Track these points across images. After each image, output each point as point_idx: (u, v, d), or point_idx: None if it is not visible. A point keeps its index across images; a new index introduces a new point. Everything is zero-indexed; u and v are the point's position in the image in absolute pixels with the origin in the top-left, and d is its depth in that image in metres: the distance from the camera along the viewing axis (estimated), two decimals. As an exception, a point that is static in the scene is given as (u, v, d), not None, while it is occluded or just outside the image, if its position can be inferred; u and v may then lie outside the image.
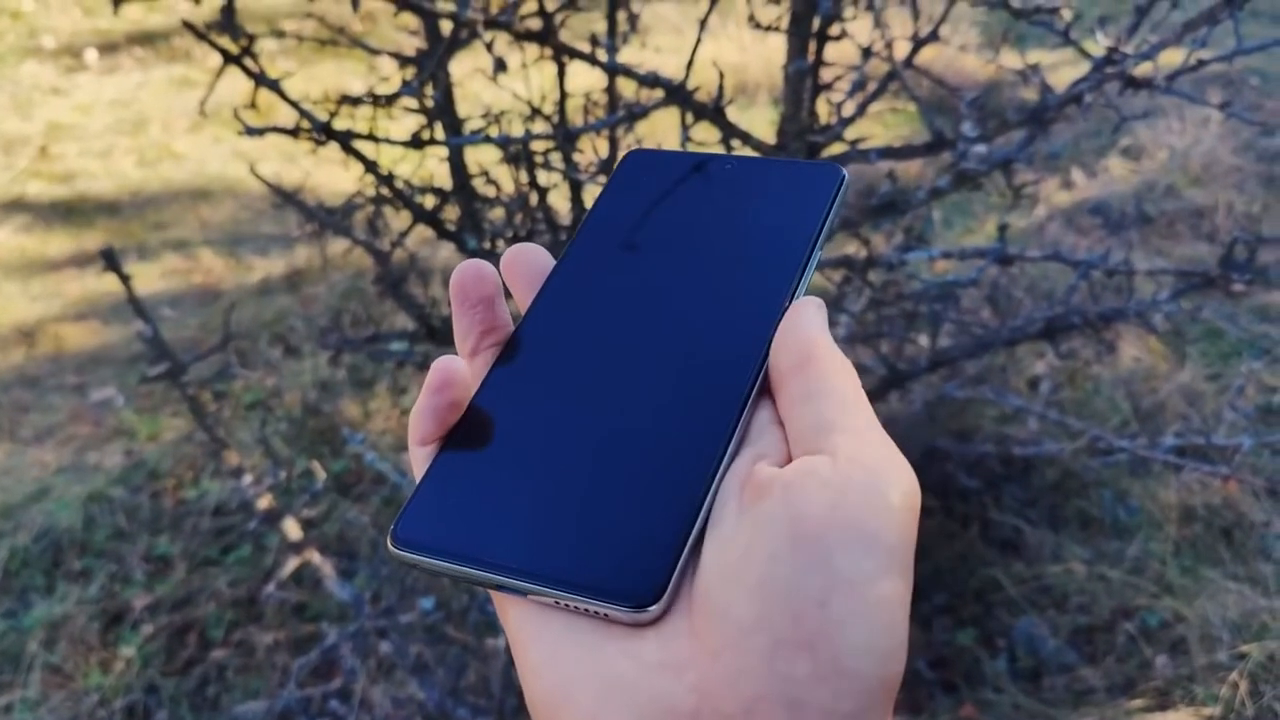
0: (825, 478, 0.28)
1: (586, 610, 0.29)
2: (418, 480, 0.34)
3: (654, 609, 0.29)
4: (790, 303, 0.35)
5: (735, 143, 1.14)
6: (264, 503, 1.37)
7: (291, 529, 1.39)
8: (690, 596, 0.29)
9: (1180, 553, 1.67)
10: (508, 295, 0.39)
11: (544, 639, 0.29)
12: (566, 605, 0.30)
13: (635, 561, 0.30)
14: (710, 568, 0.29)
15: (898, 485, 0.28)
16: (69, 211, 3.00)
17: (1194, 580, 1.61)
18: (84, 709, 1.55)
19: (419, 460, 0.34)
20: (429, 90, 1.20)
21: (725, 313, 0.36)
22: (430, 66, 1.08)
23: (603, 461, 0.32)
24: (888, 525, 0.27)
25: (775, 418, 0.33)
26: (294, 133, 1.08)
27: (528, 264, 0.38)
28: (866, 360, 1.66)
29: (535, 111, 1.29)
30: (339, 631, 1.45)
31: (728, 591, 0.28)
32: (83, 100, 3.63)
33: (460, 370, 0.33)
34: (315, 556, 1.39)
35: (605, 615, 0.29)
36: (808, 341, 0.33)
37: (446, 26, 1.19)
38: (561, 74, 1.26)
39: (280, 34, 1.40)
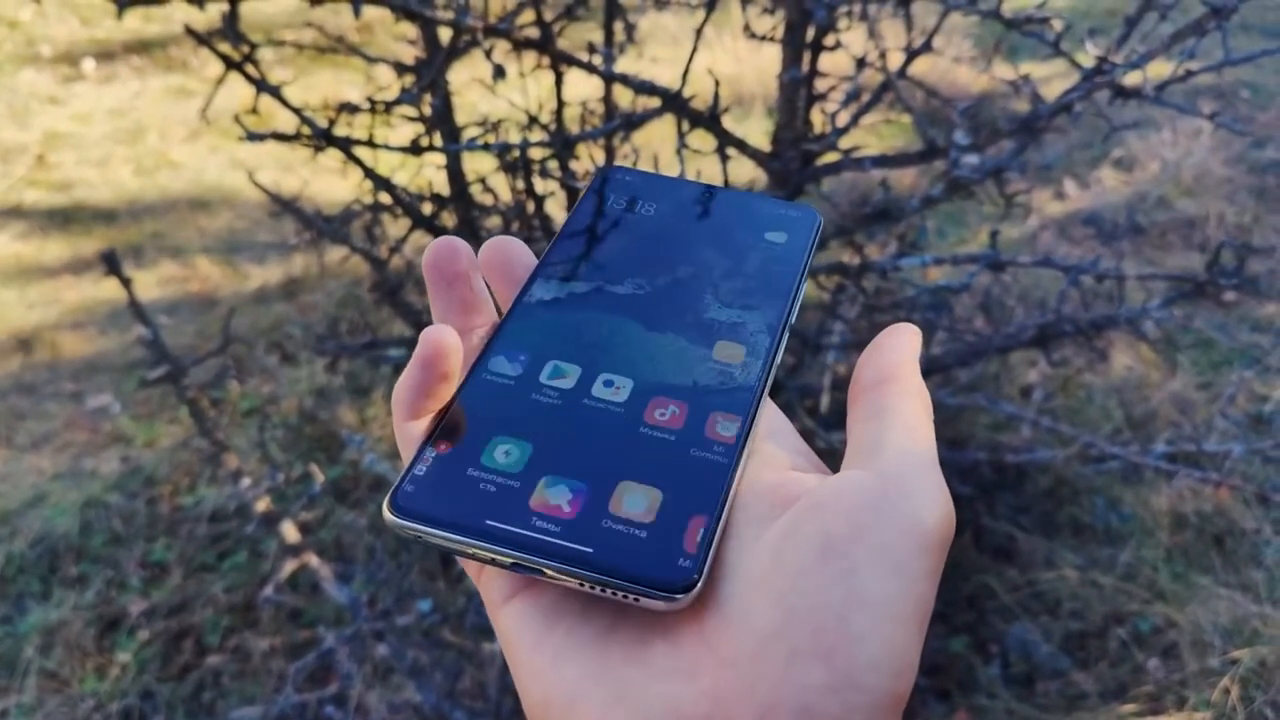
0: (862, 497, 0.29)
1: (614, 595, 0.29)
2: (414, 451, 0.32)
3: (686, 598, 0.28)
4: (786, 329, 0.37)
5: (731, 151, 1.16)
6: (261, 505, 1.37)
7: (289, 531, 1.39)
8: (701, 601, 0.29)
9: (1172, 559, 1.68)
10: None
11: (545, 644, 0.29)
12: (589, 588, 0.29)
13: (670, 549, 0.29)
14: (731, 575, 0.29)
15: (932, 512, 0.29)
16: (66, 220, 3.00)
17: (1186, 586, 1.62)
18: (80, 714, 1.55)
19: (408, 437, 0.33)
20: (427, 98, 1.22)
21: (726, 326, 0.37)
22: (430, 74, 1.09)
23: (623, 444, 0.33)
24: (918, 551, 0.28)
25: (787, 424, 0.34)
26: (294, 138, 1.09)
27: (507, 258, 0.38)
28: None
29: (533, 120, 1.31)
30: (336, 635, 1.46)
31: (749, 599, 0.28)
32: (80, 109, 3.63)
33: (452, 342, 0.32)
34: (313, 559, 1.40)
35: (636, 600, 0.29)
36: (893, 363, 0.33)
37: (445, 35, 1.21)
38: (559, 82, 1.27)
39: (279, 43, 1.41)
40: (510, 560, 0.30)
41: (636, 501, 0.31)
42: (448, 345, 0.32)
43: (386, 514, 0.31)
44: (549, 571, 0.29)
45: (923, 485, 0.29)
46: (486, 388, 0.34)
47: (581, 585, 0.29)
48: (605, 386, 0.34)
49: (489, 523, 0.30)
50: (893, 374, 0.33)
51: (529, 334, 0.36)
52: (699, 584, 0.29)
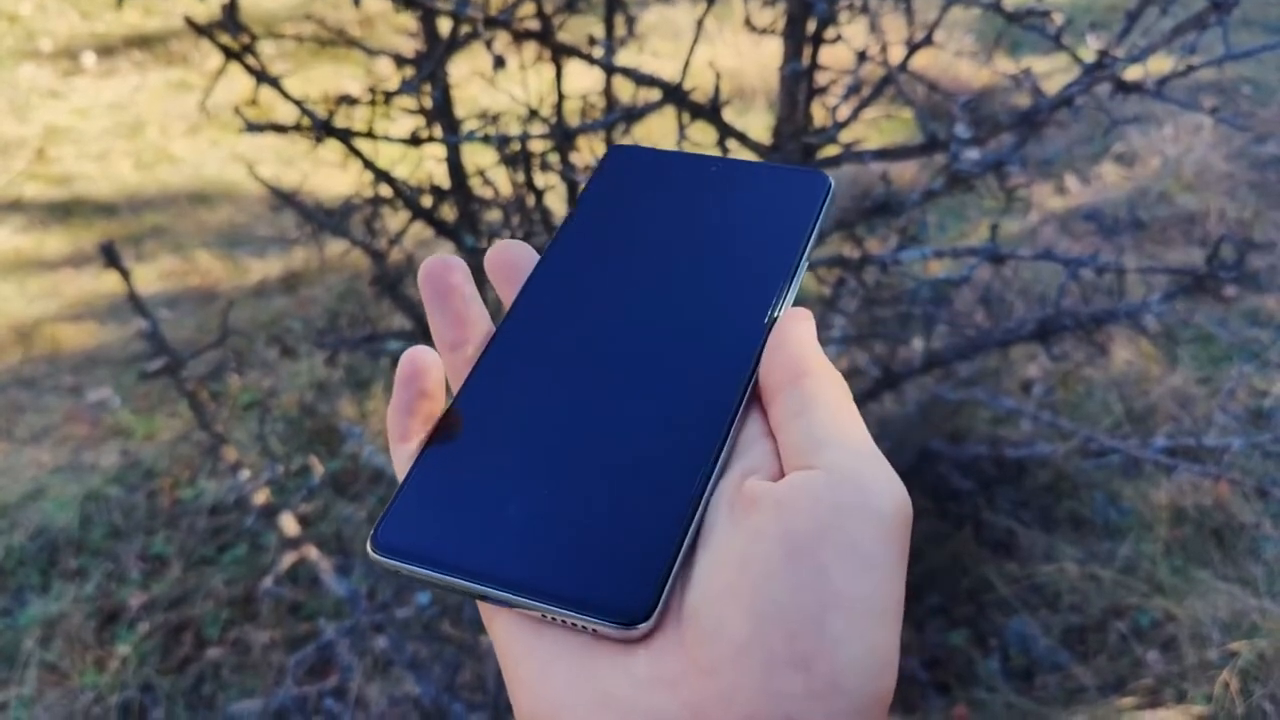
0: (817, 494, 0.28)
1: (574, 625, 0.29)
2: (400, 477, 0.33)
3: (644, 626, 0.28)
4: (778, 313, 0.35)
5: (732, 143, 1.16)
6: (260, 498, 1.38)
7: (288, 524, 1.39)
8: (680, 612, 0.29)
9: (1171, 553, 1.68)
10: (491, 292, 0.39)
11: (534, 655, 0.29)
12: (553, 619, 0.29)
13: (625, 576, 0.29)
14: (701, 584, 0.29)
15: (890, 500, 0.28)
16: (66, 214, 3.00)
17: (1185, 580, 1.62)
18: (79, 706, 1.55)
19: (401, 459, 0.34)
20: (427, 89, 1.21)
21: (712, 321, 0.35)
22: (430, 65, 1.09)
23: (590, 471, 0.32)
24: (881, 541, 0.28)
25: (765, 430, 0.33)
26: (293, 129, 1.09)
27: (512, 261, 0.38)
28: (860, 361, 1.67)
29: (533, 113, 1.30)
30: (336, 628, 1.46)
31: (720, 609, 0.27)
32: (80, 103, 3.63)
33: (429, 359, 0.34)
34: (312, 552, 1.40)
35: (594, 631, 0.29)
36: (799, 356, 0.33)
37: (445, 27, 1.21)
38: (559, 75, 1.27)
39: (279, 36, 1.41)
40: (479, 593, 0.30)
41: (597, 531, 0.31)
42: (425, 363, 0.34)
43: (369, 551, 0.32)
44: (514, 604, 0.30)
45: (873, 475, 0.29)
46: (461, 418, 0.34)
47: (543, 616, 0.29)
48: (580, 409, 0.34)
49: (458, 557, 0.31)
50: (804, 366, 0.32)
51: (512, 356, 0.36)
52: (655, 613, 0.28)
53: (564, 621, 0.29)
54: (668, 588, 0.29)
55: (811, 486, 0.28)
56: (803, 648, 0.26)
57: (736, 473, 0.31)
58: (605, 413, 0.33)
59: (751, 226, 0.39)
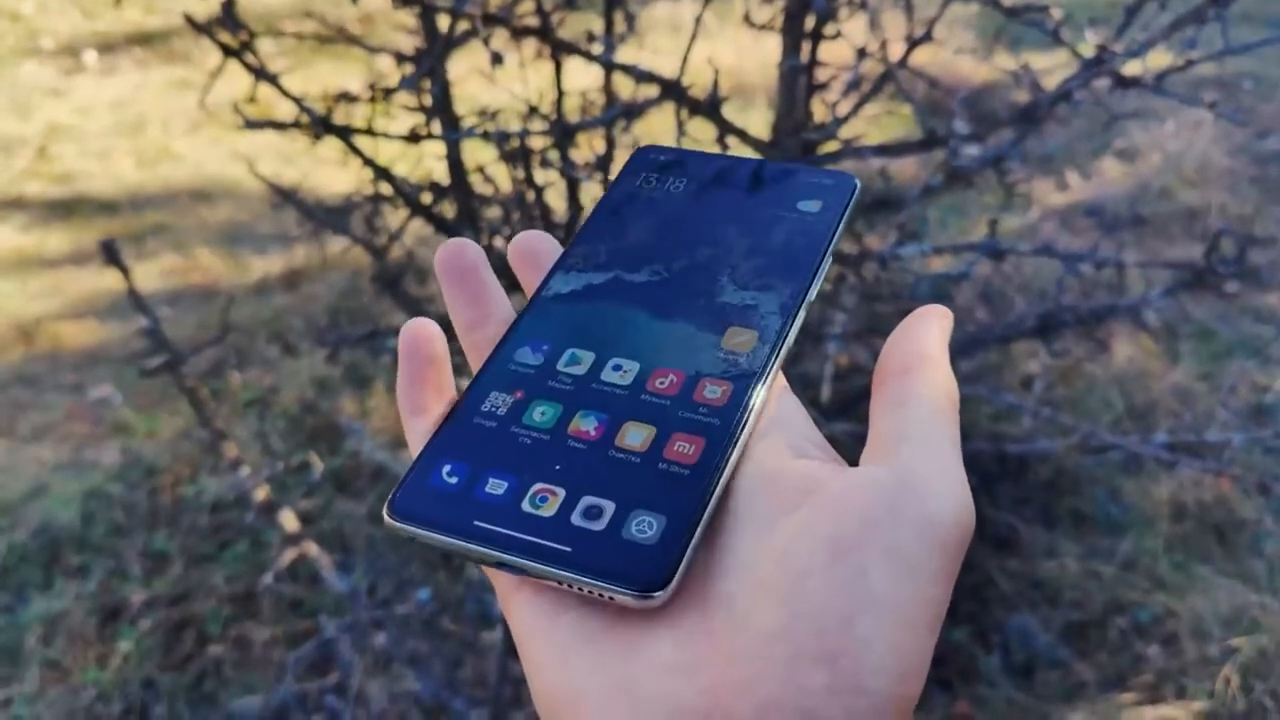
0: (876, 495, 0.28)
1: (591, 593, 0.29)
2: (415, 452, 0.34)
3: (661, 595, 0.28)
4: (802, 304, 0.36)
5: (731, 139, 1.16)
6: (261, 495, 1.38)
7: (289, 521, 1.39)
8: (708, 599, 0.29)
9: (1172, 549, 1.68)
10: (515, 284, 0.40)
11: (551, 638, 0.29)
12: (569, 587, 0.29)
13: (644, 546, 0.29)
14: (737, 571, 0.29)
15: (951, 509, 0.28)
16: (67, 212, 3.00)
17: (1186, 576, 1.62)
18: (81, 704, 1.55)
19: (415, 433, 0.34)
20: (426, 85, 1.22)
21: (736, 309, 0.36)
22: (429, 62, 1.09)
23: (611, 443, 0.33)
24: (930, 548, 0.27)
25: (805, 414, 0.33)
26: (292, 126, 1.09)
27: (537, 251, 0.39)
28: (861, 358, 1.67)
29: (532, 110, 1.30)
30: (336, 624, 1.46)
31: (753, 599, 0.27)
32: (81, 102, 3.63)
33: (430, 326, 0.34)
34: (313, 549, 1.40)
35: (611, 599, 0.29)
36: (916, 350, 0.32)
37: (444, 24, 1.21)
38: (558, 72, 1.27)
39: (279, 34, 1.41)
40: (495, 559, 0.30)
41: (616, 501, 0.31)
42: (426, 331, 0.34)
43: (385, 517, 0.32)
44: (531, 570, 0.30)
45: (941, 483, 0.29)
46: (483, 390, 0.35)
47: (561, 584, 0.29)
48: (603, 386, 0.35)
49: (476, 523, 0.31)
50: (918, 362, 0.32)
51: (536, 336, 0.36)
52: (673, 582, 0.28)
53: (581, 590, 0.29)
54: (686, 558, 0.29)
55: (870, 485, 0.29)
56: (830, 645, 0.26)
57: (775, 446, 0.32)
58: (628, 390, 0.34)
59: (778, 222, 0.39)
